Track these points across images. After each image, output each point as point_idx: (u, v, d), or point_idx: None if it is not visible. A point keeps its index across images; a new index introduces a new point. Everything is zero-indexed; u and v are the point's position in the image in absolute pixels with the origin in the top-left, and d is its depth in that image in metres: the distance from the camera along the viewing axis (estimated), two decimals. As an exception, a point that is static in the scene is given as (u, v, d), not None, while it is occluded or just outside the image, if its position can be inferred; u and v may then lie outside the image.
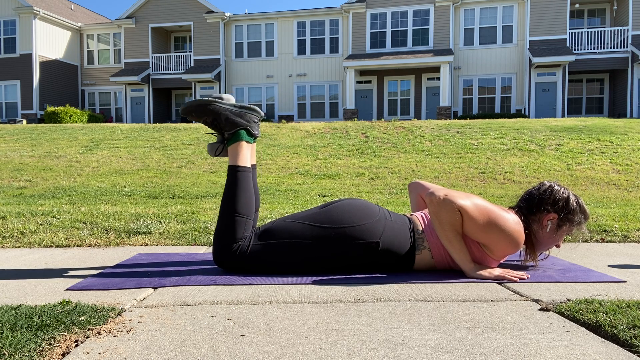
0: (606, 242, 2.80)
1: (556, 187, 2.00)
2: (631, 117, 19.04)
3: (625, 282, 1.83)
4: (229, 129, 2.04)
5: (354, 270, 1.97)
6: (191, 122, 23.19)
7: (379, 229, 1.93)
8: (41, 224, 3.14)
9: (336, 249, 1.92)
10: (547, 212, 1.97)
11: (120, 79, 23.88)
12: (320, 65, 23.12)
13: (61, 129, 14.77)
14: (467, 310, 1.48)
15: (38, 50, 23.54)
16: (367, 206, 2.01)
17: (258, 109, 2.10)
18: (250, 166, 2.06)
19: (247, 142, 2.06)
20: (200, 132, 13.17)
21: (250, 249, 1.94)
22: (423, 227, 1.99)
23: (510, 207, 2.06)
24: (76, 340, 1.21)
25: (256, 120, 2.10)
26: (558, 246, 2.04)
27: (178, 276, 1.90)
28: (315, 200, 5.53)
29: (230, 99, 2.10)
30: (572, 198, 1.98)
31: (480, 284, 1.80)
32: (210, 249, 2.59)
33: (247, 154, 2.06)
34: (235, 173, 2.01)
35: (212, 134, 2.20)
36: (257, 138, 2.16)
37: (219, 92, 23.08)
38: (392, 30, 21.92)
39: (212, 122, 2.05)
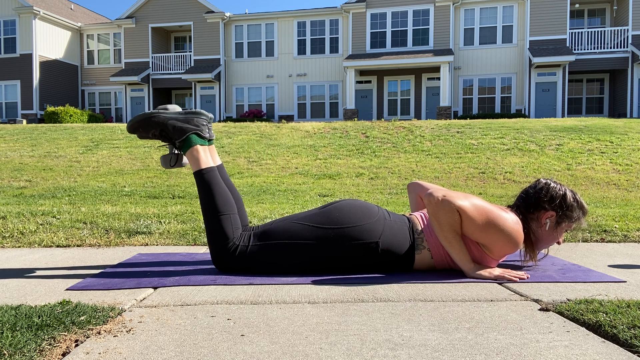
0: (606, 242, 2.80)
1: (552, 185, 2.00)
2: (631, 117, 19.04)
3: (625, 282, 1.83)
4: (178, 137, 2.03)
5: (354, 271, 1.97)
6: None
7: (378, 229, 1.93)
8: (41, 224, 3.14)
9: (336, 249, 1.92)
10: (544, 210, 1.97)
11: (120, 79, 23.88)
12: (320, 65, 23.12)
13: (61, 129, 14.77)
14: (467, 310, 1.48)
15: (38, 50, 23.54)
16: (367, 206, 2.01)
17: (205, 111, 2.09)
18: (214, 166, 2.06)
19: (202, 144, 2.06)
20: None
21: (249, 249, 1.94)
22: (422, 226, 1.99)
23: (508, 206, 2.06)
24: (76, 340, 1.21)
25: (205, 123, 2.08)
26: (559, 243, 2.04)
27: (178, 276, 1.90)
28: (315, 200, 5.53)
29: (175, 107, 2.08)
30: (568, 194, 1.98)
31: (480, 284, 1.80)
32: (210, 249, 2.59)
33: (206, 156, 2.05)
34: (202, 177, 2.01)
35: (163, 146, 2.17)
36: (213, 140, 2.14)
37: (219, 93, 23.12)
38: (392, 30, 21.92)
39: (160, 133, 2.04)
